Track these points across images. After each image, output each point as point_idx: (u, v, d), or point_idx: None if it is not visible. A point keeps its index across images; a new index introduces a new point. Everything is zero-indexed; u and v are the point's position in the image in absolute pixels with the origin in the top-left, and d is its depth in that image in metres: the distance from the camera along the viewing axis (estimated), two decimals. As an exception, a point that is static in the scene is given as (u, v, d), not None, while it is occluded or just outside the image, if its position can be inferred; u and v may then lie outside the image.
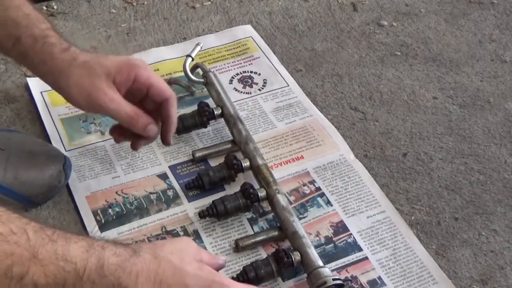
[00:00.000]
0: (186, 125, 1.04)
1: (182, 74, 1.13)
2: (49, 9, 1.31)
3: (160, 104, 0.93)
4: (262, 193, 0.94)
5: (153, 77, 0.91)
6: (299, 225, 0.91)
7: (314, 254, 0.88)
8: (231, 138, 1.05)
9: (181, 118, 1.03)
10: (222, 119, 1.06)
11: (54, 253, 0.66)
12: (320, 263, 0.87)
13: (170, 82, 1.14)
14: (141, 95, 0.92)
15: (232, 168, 0.97)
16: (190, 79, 1.12)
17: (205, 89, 1.11)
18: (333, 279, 0.84)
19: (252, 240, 0.92)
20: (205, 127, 1.05)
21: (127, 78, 0.90)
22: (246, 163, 0.98)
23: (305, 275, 0.88)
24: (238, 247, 0.92)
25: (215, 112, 1.04)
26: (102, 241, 0.71)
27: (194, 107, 1.08)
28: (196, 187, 0.98)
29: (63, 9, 1.31)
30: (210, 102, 1.08)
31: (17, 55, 0.92)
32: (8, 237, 0.64)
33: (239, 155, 1.00)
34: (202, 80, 1.10)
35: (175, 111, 0.94)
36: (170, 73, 1.17)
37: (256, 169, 0.97)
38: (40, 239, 0.66)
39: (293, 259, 0.87)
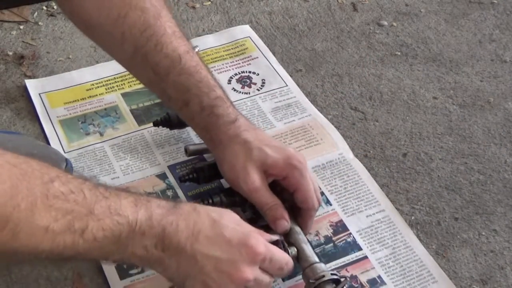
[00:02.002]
0: (180, 120, 1.02)
1: None
2: (49, 9, 1.32)
3: (299, 209, 0.92)
4: None
5: (304, 183, 0.90)
6: (294, 221, 0.90)
7: (310, 249, 0.88)
8: None
9: (175, 113, 1.03)
10: None
11: (108, 208, 0.73)
12: (316, 258, 0.87)
13: None
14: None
15: None
16: None
17: None
18: (331, 274, 0.84)
19: None
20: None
21: (278, 174, 0.90)
22: None
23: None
24: None
25: None
26: (146, 195, 0.78)
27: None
28: (191, 179, 0.98)
29: (63, 10, 1.31)
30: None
31: (184, 117, 0.95)
32: (68, 196, 0.70)
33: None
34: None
35: (311, 223, 0.93)
36: None
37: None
38: (94, 197, 0.72)
39: (289, 252, 0.86)
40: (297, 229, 0.90)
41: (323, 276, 0.83)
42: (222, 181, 0.99)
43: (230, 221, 0.80)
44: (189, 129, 1.06)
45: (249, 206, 0.92)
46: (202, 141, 1.04)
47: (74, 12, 0.96)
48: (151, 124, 1.07)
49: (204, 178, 0.97)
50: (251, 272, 0.79)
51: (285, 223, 0.88)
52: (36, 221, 0.67)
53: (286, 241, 0.89)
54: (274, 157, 0.89)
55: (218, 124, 0.91)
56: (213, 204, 0.92)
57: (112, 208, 0.73)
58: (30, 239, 0.68)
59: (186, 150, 1.02)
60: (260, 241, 0.80)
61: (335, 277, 0.84)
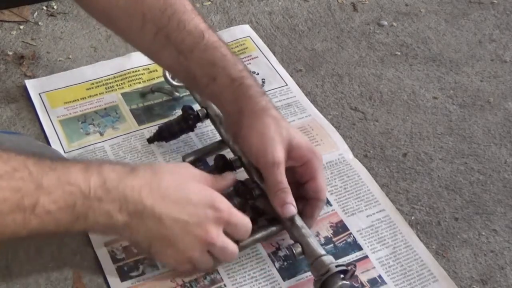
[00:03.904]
0: (173, 132, 1.03)
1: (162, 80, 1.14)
2: (49, 9, 1.32)
3: (307, 200, 0.92)
4: (202, 113, 1.00)
5: (321, 173, 0.90)
6: (297, 216, 0.90)
7: (315, 243, 0.87)
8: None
9: (167, 125, 1.03)
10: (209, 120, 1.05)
11: (57, 180, 0.72)
12: (322, 251, 0.86)
13: (153, 90, 1.13)
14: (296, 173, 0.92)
15: (189, 118, 1.01)
16: (171, 85, 1.11)
17: (188, 93, 1.12)
18: (337, 266, 0.84)
19: (252, 239, 0.91)
20: (192, 130, 1.04)
21: (300, 157, 0.89)
22: (203, 112, 1.01)
23: (305, 274, 0.89)
24: (238, 247, 0.91)
25: (200, 114, 1.03)
26: (98, 161, 0.78)
27: (167, 116, 1.09)
28: (158, 139, 1.02)
29: (63, 9, 1.31)
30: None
31: (210, 93, 0.94)
32: (12, 174, 0.69)
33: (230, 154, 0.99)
34: (183, 84, 1.09)
35: (318, 215, 0.93)
36: (153, 78, 1.17)
37: (248, 166, 0.96)
38: (41, 170, 0.71)
39: (293, 251, 0.86)
40: (299, 223, 0.89)
41: (329, 270, 0.83)
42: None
43: (194, 182, 0.82)
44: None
45: (251, 207, 0.92)
46: (198, 148, 1.04)
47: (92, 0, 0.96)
48: (151, 124, 1.07)
49: (171, 135, 1.01)
50: (216, 233, 0.81)
51: (293, 208, 0.88)
52: None
53: (290, 236, 0.89)
54: (300, 141, 0.90)
55: (249, 94, 0.90)
56: (164, 136, 1.00)
57: (61, 179, 0.72)
58: None
59: (183, 160, 1.02)
60: (225, 203, 0.83)
61: (341, 268, 0.84)
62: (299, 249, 0.87)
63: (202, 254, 0.83)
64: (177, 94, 1.13)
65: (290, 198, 0.87)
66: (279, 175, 0.87)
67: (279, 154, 0.87)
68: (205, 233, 0.81)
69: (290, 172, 0.90)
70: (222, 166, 0.96)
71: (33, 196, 0.70)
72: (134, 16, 0.93)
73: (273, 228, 0.92)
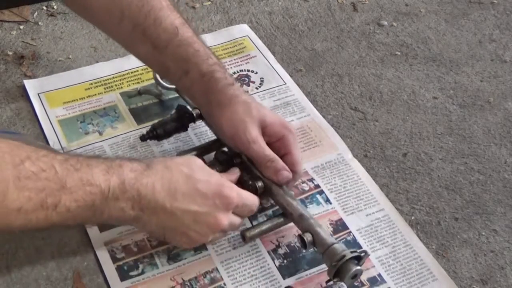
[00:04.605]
0: (166, 130, 1.03)
1: (150, 82, 1.14)
2: (49, 9, 1.32)
3: None
4: (196, 113, 1.01)
5: (295, 147, 0.94)
6: (304, 207, 0.91)
7: (325, 232, 0.88)
8: None
9: (160, 124, 1.03)
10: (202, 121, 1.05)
11: (80, 180, 0.77)
12: (333, 239, 0.87)
13: (140, 92, 1.13)
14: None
15: (184, 117, 1.02)
16: (163, 86, 1.10)
17: (174, 95, 1.12)
18: (351, 252, 0.84)
19: (258, 230, 0.91)
20: (186, 130, 1.04)
21: (274, 133, 0.94)
22: (196, 113, 1.02)
23: (305, 272, 0.89)
24: (245, 238, 0.92)
25: (194, 114, 1.03)
26: (119, 160, 0.82)
27: (166, 115, 1.07)
28: (151, 137, 1.02)
29: (63, 9, 1.31)
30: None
31: (182, 86, 1.00)
32: (39, 175, 0.74)
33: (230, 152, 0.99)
34: (173, 86, 1.09)
35: (292, 186, 0.97)
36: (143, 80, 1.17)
37: (246, 161, 0.96)
38: (66, 171, 0.76)
39: (305, 240, 0.86)
40: (307, 214, 0.90)
41: (344, 256, 0.84)
42: None
43: (202, 173, 0.86)
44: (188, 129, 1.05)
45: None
46: (192, 147, 1.04)
47: None
48: (151, 123, 1.07)
49: (165, 134, 1.02)
50: (226, 219, 0.86)
51: (287, 173, 0.91)
52: (9, 205, 0.72)
53: (299, 228, 0.90)
54: (272, 117, 0.94)
55: (217, 87, 0.94)
56: (157, 134, 1.00)
57: (84, 179, 0.77)
58: (3, 221, 0.73)
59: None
60: (234, 189, 0.87)
61: (355, 254, 0.84)
62: (310, 237, 0.87)
63: (214, 236, 0.89)
64: (164, 97, 1.13)
65: (281, 165, 0.91)
66: (261, 149, 0.91)
67: (252, 131, 0.91)
68: (215, 220, 0.86)
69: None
70: (224, 161, 0.96)
71: (56, 196, 0.75)
72: (112, 12, 0.96)
73: (279, 220, 0.92)
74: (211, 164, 0.95)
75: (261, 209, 0.96)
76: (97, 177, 0.78)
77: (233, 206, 0.87)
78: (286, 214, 0.91)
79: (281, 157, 0.92)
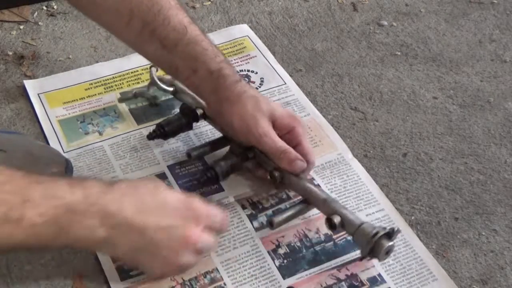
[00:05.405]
0: (173, 129, 1.03)
1: (144, 85, 1.14)
2: (49, 9, 1.32)
3: None
4: (199, 112, 1.02)
5: (305, 138, 0.96)
6: (325, 192, 0.93)
7: (352, 213, 0.89)
8: None
9: (166, 122, 1.03)
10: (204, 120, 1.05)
11: (43, 193, 0.74)
12: (361, 219, 0.89)
13: (136, 95, 1.13)
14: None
15: (189, 115, 1.02)
16: (160, 88, 1.10)
17: (168, 98, 1.12)
18: (383, 228, 0.86)
19: (286, 215, 0.92)
20: (191, 128, 1.05)
21: (286, 126, 0.95)
22: (199, 112, 1.02)
23: (305, 272, 0.89)
24: (273, 225, 0.92)
25: (198, 113, 1.03)
26: (80, 177, 0.82)
27: (166, 115, 1.08)
28: (158, 136, 1.02)
29: (63, 9, 1.31)
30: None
31: (191, 84, 1.00)
32: (1, 188, 0.72)
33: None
34: (171, 89, 1.09)
35: (308, 173, 0.97)
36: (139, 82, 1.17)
37: (264, 153, 0.96)
38: (28, 184, 0.74)
39: (334, 221, 0.88)
40: (332, 196, 0.92)
41: (377, 232, 0.85)
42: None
43: (167, 187, 0.85)
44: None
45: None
46: (201, 144, 1.04)
47: None
48: (150, 123, 1.07)
49: (171, 132, 1.02)
50: (198, 232, 0.83)
51: (301, 162, 0.92)
52: None
53: (324, 212, 0.91)
54: (281, 110, 0.95)
55: (226, 84, 0.94)
56: (165, 132, 1.01)
57: (48, 192, 0.74)
58: None
59: (189, 155, 1.01)
60: (201, 202, 0.85)
61: (388, 230, 0.86)
62: (338, 218, 0.88)
63: (187, 256, 0.84)
64: (158, 100, 1.13)
65: (294, 155, 0.92)
66: (273, 142, 0.92)
67: (264, 125, 0.92)
68: (188, 234, 0.82)
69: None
70: (239, 154, 0.97)
71: (19, 209, 0.72)
72: (121, 12, 0.96)
73: (302, 206, 0.93)
74: (226, 157, 0.97)
75: (262, 209, 0.97)
76: (62, 190, 0.75)
77: (204, 218, 0.84)
78: (309, 201, 0.93)
79: (293, 148, 0.93)
